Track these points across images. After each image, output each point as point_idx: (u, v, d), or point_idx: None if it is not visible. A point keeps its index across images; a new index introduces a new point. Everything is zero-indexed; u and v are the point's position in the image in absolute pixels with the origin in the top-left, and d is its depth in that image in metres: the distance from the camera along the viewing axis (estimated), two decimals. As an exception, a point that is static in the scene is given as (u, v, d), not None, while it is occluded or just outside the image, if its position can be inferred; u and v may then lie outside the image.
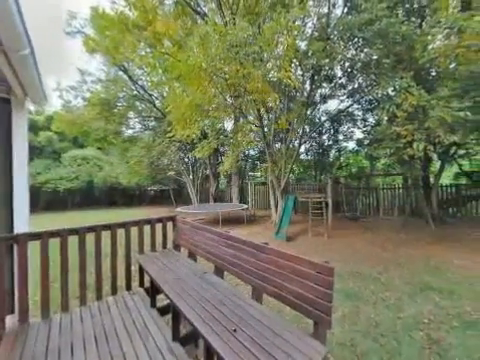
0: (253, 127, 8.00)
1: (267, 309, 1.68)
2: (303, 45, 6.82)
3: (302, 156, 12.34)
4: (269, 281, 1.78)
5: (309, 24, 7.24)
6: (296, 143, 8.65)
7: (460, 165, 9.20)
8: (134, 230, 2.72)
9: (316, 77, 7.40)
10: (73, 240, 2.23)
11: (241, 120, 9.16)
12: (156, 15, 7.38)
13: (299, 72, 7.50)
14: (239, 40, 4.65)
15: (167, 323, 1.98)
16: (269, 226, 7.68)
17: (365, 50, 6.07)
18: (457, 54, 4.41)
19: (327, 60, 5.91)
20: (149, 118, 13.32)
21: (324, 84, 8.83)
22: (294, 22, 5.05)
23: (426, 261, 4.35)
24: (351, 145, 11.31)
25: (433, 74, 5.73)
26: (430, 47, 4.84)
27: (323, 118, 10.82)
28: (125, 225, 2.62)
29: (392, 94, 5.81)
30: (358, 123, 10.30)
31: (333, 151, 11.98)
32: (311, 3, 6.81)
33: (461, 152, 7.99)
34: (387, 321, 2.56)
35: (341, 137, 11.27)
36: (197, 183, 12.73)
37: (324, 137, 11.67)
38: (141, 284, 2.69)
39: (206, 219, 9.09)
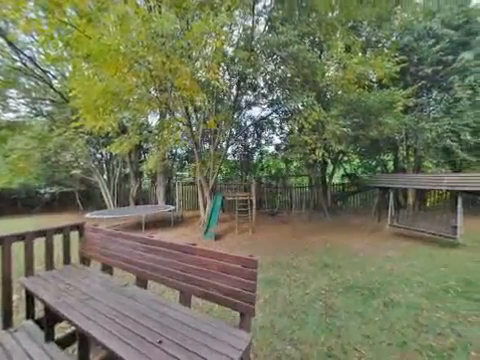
0: (181, 125, 7.70)
1: (195, 311, 1.65)
2: (230, 51, 7.15)
3: (229, 157, 12.89)
4: (197, 282, 1.76)
5: (236, 32, 7.67)
6: (224, 144, 8.95)
7: (345, 168, 12.14)
8: (18, 246, 2.06)
9: (242, 84, 7.91)
10: None
11: (168, 116, 8.64)
12: (54, -27, 5.86)
13: (227, 76, 7.81)
14: (166, 31, 4.36)
15: (72, 355, 1.62)
16: (198, 226, 7.60)
17: (282, 67, 7.00)
18: (342, 84, 5.78)
19: (251, 70, 6.44)
20: (43, 101, 10.44)
21: (249, 91, 9.56)
22: (222, 27, 5.21)
23: (324, 245, 5.47)
24: (271, 149, 12.77)
25: (328, 97, 7.27)
26: (326, 75, 6.14)
27: (248, 123, 11.70)
28: (1, 241, 1.95)
29: (301, 108, 6.98)
30: (276, 130, 11.76)
31: (257, 153, 13.14)
32: (237, 13, 7.23)
33: (345, 158, 10.56)
34: (298, 298, 3.05)
35: (263, 141, 12.52)
36: (114, 183, 11.02)
37: (249, 140, 12.62)
38: (30, 316, 2.07)
39: (126, 224, 8.02)
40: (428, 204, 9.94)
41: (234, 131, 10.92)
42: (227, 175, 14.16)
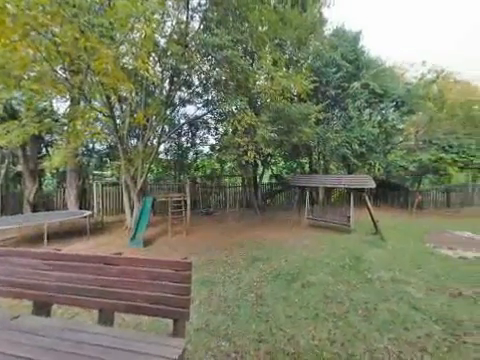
0: (101, 116, 6.59)
1: (120, 329, 1.46)
2: (162, 42, 6.68)
3: (162, 156, 12.04)
4: (122, 296, 1.56)
5: (169, 23, 7.22)
6: (155, 142, 8.28)
7: (272, 169, 13.52)
8: None
9: (175, 79, 7.54)
10: None
11: (82, 103, 7.24)
12: None
13: (158, 68, 7.25)
14: (79, 1, 3.64)
15: None
16: (123, 233, 6.71)
17: (217, 69, 7.11)
18: (270, 93, 6.41)
19: (186, 66, 6.23)
20: None
21: (183, 88, 9.21)
22: (153, 14, 4.80)
23: (255, 240, 5.90)
24: (206, 149, 12.75)
25: (259, 103, 7.91)
26: (257, 83, 6.65)
27: (182, 121, 11.26)
28: None
29: (235, 111, 7.29)
30: (211, 131, 11.84)
31: (191, 153, 12.82)
32: (170, 4, 6.83)
33: (273, 161, 11.78)
34: (232, 294, 3.17)
35: (198, 141, 12.35)
36: (-4, 185, 8.29)
37: (183, 139, 12.17)
38: None
39: (19, 237, 6.18)
40: (332, 199, 12.38)
41: (167, 128, 10.28)
42: (158, 175, 13.18)
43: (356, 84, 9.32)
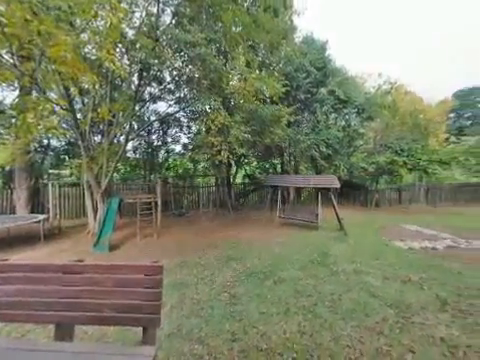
0: (58, 109, 5.94)
1: (80, 344, 1.33)
2: (131, 34, 6.29)
3: (130, 154, 11.34)
4: (83, 307, 1.43)
5: (137, 15, 6.82)
6: (122, 139, 7.76)
7: (245, 169, 13.69)
8: None
9: (145, 74, 7.16)
10: None
11: (34, 94, 6.44)
12: None
13: (126, 61, 6.80)
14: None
15: None
16: (85, 238, 6.16)
17: (190, 66, 6.93)
18: (244, 94, 6.48)
19: (156, 61, 5.95)
20: None
21: (154, 84, 8.80)
22: (119, 2, 4.49)
23: (228, 239, 5.91)
24: (178, 148, 12.35)
25: (232, 103, 7.94)
26: (231, 83, 6.67)
27: (152, 117, 10.74)
28: None
29: (209, 111, 7.20)
30: (184, 129, 11.51)
31: (162, 152, 12.31)
32: (139, -6, 6.45)
33: (246, 161, 11.92)
34: (205, 296, 3.13)
35: (170, 139, 11.91)
36: None
37: (153, 137, 11.62)
38: None
39: None
40: (302, 198, 13.01)
41: (135, 125, 9.72)
42: (126, 174, 12.39)
43: (323, 90, 9.95)
